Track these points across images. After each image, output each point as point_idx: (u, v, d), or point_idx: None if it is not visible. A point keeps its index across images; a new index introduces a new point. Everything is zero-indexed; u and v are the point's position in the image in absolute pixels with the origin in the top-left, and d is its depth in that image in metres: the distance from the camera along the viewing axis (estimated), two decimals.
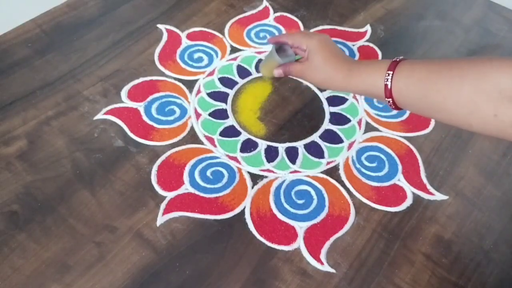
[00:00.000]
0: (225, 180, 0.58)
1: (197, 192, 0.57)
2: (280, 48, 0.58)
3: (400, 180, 0.60)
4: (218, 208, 0.56)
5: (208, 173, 0.59)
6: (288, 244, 0.54)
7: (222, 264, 0.52)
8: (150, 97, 0.66)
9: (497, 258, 0.54)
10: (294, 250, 0.53)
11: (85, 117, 0.64)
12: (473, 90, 0.41)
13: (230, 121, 0.65)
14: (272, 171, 0.60)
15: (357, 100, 0.68)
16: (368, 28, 0.79)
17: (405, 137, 0.64)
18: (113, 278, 0.50)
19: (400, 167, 0.61)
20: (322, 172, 0.60)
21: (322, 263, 0.52)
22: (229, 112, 0.66)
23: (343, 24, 0.80)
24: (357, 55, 0.75)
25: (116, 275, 0.50)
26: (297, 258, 0.53)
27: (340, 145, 0.63)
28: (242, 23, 0.78)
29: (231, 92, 0.68)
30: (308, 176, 0.60)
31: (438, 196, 0.59)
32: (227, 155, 0.61)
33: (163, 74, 0.70)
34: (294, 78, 0.63)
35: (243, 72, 0.71)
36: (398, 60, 0.48)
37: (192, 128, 0.63)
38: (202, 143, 0.62)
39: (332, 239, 0.54)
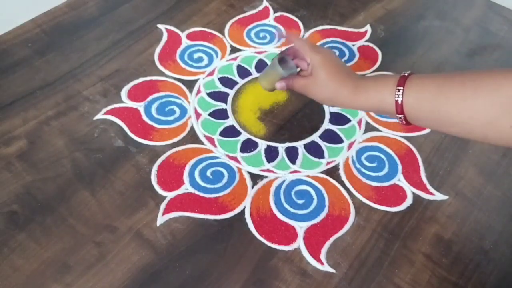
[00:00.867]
0: (225, 180, 0.58)
1: (197, 192, 0.57)
2: (281, 60, 0.57)
3: (400, 180, 0.60)
4: (218, 208, 0.56)
5: (208, 173, 0.59)
6: (288, 244, 0.54)
7: (222, 264, 0.52)
8: (150, 97, 0.66)
9: (497, 258, 0.54)
10: (294, 250, 0.53)
11: (85, 117, 0.64)
12: (488, 102, 0.41)
13: (230, 121, 0.65)
14: (272, 171, 0.60)
15: None
16: (368, 28, 0.79)
17: (405, 137, 0.64)
18: (113, 278, 0.50)
19: (400, 167, 0.61)
20: (322, 172, 0.60)
21: (322, 263, 0.52)
22: (229, 112, 0.66)
23: (343, 24, 0.80)
24: (357, 55, 0.75)
25: (116, 275, 0.50)
26: (297, 258, 0.53)
27: (340, 145, 0.63)
28: (242, 23, 0.78)
29: (231, 92, 0.68)
30: (308, 176, 0.60)
31: (438, 196, 0.59)
32: (227, 155, 0.61)
33: (163, 74, 0.70)
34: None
35: (243, 72, 0.71)
36: (406, 74, 0.47)
37: (192, 128, 0.63)
38: (202, 143, 0.62)
39: (332, 239, 0.54)
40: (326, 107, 0.67)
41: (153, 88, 0.68)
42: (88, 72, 0.69)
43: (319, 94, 0.53)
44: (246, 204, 0.56)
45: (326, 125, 0.65)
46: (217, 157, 0.61)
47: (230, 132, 0.63)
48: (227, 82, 0.69)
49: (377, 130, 0.65)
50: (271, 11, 0.81)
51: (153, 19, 0.77)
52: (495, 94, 0.41)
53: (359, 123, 0.66)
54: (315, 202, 0.57)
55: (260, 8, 0.81)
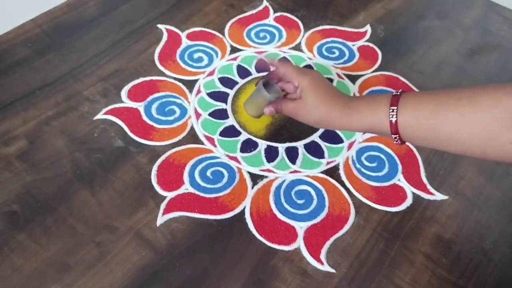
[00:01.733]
0: (225, 180, 0.58)
1: (197, 192, 0.57)
2: (266, 84, 0.55)
3: (400, 180, 0.60)
4: (218, 208, 0.56)
5: (208, 173, 0.59)
6: (288, 244, 0.54)
7: (222, 264, 0.52)
8: (150, 97, 0.66)
9: (497, 258, 0.54)
10: (294, 250, 0.53)
11: (85, 117, 0.64)
12: (487, 118, 0.40)
13: (230, 121, 0.65)
14: (272, 171, 0.60)
15: None
16: (368, 28, 0.79)
17: None
18: (113, 278, 0.50)
19: (400, 167, 0.61)
20: (322, 172, 0.60)
21: (322, 263, 0.52)
22: (229, 112, 0.66)
23: (343, 24, 0.80)
24: (357, 55, 0.75)
25: (116, 275, 0.50)
26: (297, 258, 0.53)
27: (340, 145, 0.63)
28: (242, 23, 0.78)
29: (231, 92, 0.68)
30: (308, 176, 0.60)
31: (438, 196, 0.59)
32: (227, 155, 0.61)
33: (163, 74, 0.70)
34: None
35: (243, 72, 0.71)
36: (398, 94, 0.47)
37: (192, 128, 0.63)
38: (202, 143, 0.62)
39: (332, 239, 0.54)
40: None
41: (153, 88, 0.68)
42: (88, 72, 0.69)
43: (310, 117, 0.52)
44: (246, 204, 0.56)
45: None
46: (217, 157, 0.61)
47: (230, 132, 0.63)
48: (227, 82, 0.69)
49: None
50: (271, 11, 0.81)
51: (153, 19, 0.77)
52: (494, 109, 0.40)
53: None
54: (315, 202, 0.57)
55: (260, 8, 0.81)
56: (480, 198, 0.59)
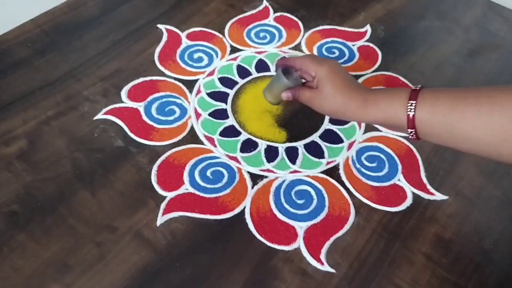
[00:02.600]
0: (225, 180, 0.58)
1: (197, 192, 0.57)
2: (285, 71, 0.56)
3: (400, 180, 0.60)
4: (218, 208, 0.56)
5: (208, 173, 0.59)
6: (288, 244, 0.54)
7: (222, 264, 0.52)
8: (150, 97, 0.66)
9: (497, 258, 0.54)
10: (294, 250, 0.53)
11: (85, 117, 0.64)
12: (504, 119, 0.40)
13: (230, 121, 0.65)
14: (272, 171, 0.60)
15: None
16: (368, 28, 0.79)
17: (405, 137, 0.64)
18: (113, 278, 0.50)
19: (400, 167, 0.61)
20: (322, 172, 0.60)
21: (322, 263, 0.52)
22: (229, 112, 0.66)
23: (343, 24, 0.80)
24: (357, 55, 0.75)
25: (116, 275, 0.50)
26: (297, 258, 0.53)
27: (340, 145, 0.63)
28: (242, 23, 0.78)
29: (231, 92, 0.68)
30: (308, 176, 0.60)
31: (438, 196, 0.59)
32: (227, 155, 0.61)
33: (163, 74, 0.70)
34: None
35: (243, 72, 0.71)
36: (418, 88, 0.47)
37: (192, 128, 0.63)
38: (202, 143, 0.62)
39: (332, 239, 0.54)
40: None
41: (153, 88, 0.68)
42: (88, 72, 0.69)
43: (326, 107, 0.52)
44: (246, 204, 0.56)
45: (326, 125, 0.65)
46: (217, 157, 0.61)
47: (230, 132, 0.63)
48: (227, 82, 0.69)
49: (377, 130, 0.65)
50: (271, 11, 0.81)
51: (153, 19, 0.77)
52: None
53: (359, 123, 0.66)
54: (315, 202, 0.57)
55: (260, 8, 0.81)
56: (480, 198, 0.59)
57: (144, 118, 0.64)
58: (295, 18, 0.80)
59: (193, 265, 0.51)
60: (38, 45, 0.72)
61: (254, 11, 0.81)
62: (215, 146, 0.62)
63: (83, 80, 0.68)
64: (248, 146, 0.62)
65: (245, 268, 0.52)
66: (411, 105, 0.46)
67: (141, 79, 0.68)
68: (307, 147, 0.62)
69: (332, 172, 0.60)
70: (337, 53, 0.75)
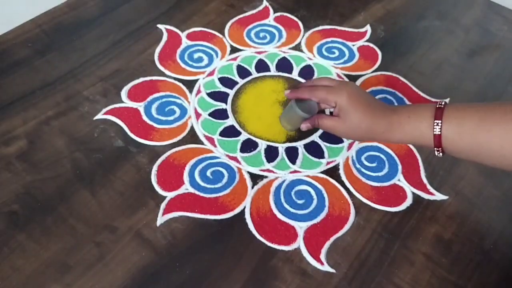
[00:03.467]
0: (225, 180, 0.58)
1: (197, 192, 0.57)
2: (299, 99, 0.56)
3: (400, 180, 0.60)
4: (218, 208, 0.56)
5: (208, 173, 0.59)
6: (288, 244, 0.53)
7: (222, 264, 0.52)
8: (150, 97, 0.66)
9: (497, 258, 0.54)
10: (294, 250, 0.53)
11: (85, 117, 0.64)
12: None
13: (230, 121, 0.65)
14: (272, 171, 0.60)
15: None
16: (368, 28, 0.79)
17: None
18: (113, 278, 0.50)
19: (400, 167, 0.61)
20: (322, 172, 0.60)
21: (322, 263, 0.52)
22: (229, 112, 0.66)
23: (343, 24, 0.80)
24: (357, 55, 0.75)
25: (116, 275, 0.50)
26: (297, 258, 0.53)
27: (340, 145, 0.63)
28: (242, 23, 0.78)
29: (231, 92, 0.68)
30: (308, 176, 0.60)
31: (438, 196, 0.59)
32: (227, 155, 0.61)
33: (163, 74, 0.70)
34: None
35: (243, 72, 0.71)
36: (442, 105, 0.46)
37: (192, 128, 0.63)
38: (202, 143, 0.62)
39: (332, 239, 0.54)
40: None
41: (153, 88, 0.68)
42: (88, 72, 0.69)
43: (351, 135, 0.53)
44: (246, 204, 0.56)
45: None
46: (217, 157, 0.61)
47: (230, 132, 0.63)
48: (227, 82, 0.69)
49: None
50: (271, 11, 0.81)
51: (153, 19, 0.77)
52: None
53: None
54: (315, 202, 0.57)
55: (260, 8, 0.81)
56: (480, 198, 0.59)
57: (144, 118, 0.64)
58: (295, 18, 0.80)
59: (193, 265, 0.51)
60: (38, 45, 0.72)
61: (254, 11, 0.81)
62: (215, 146, 0.62)
63: (83, 80, 0.68)
64: (248, 146, 0.62)
65: (245, 268, 0.52)
66: (437, 125, 0.46)
67: (141, 79, 0.68)
68: (307, 147, 0.62)
69: (332, 172, 0.60)
70: (337, 53, 0.75)
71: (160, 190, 0.57)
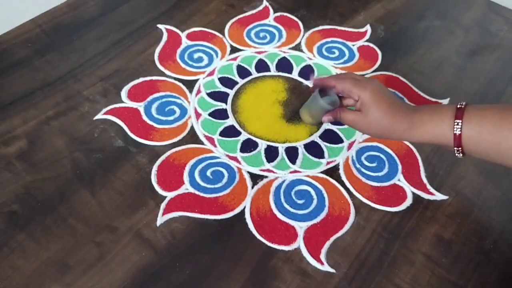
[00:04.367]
0: (225, 180, 0.58)
1: (197, 192, 0.57)
2: (322, 90, 0.55)
3: (400, 180, 0.60)
4: (218, 208, 0.56)
5: (208, 173, 0.59)
6: (288, 244, 0.53)
7: (222, 264, 0.52)
8: (150, 97, 0.66)
9: (497, 258, 0.54)
10: (294, 250, 0.53)
11: (85, 117, 0.64)
12: None
13: (230, 121, 0.65)
14: (272, 171, 0.60)
15: None
16: (368, 28, 0.79)
17: None
18: (113, 278, 0.50)
19: (400, 167, 0.61)
20: (322, 172, 0.60)
21: (322, 263, 0.52)
22: (229, 112, 0.66)
23: (343, 24, 0.80)
24: (357, 55, 0.75)
25: (116, 275, 0.50)
26: (297, 258, 0.53)
27: (340, 145, 0.63)
28: (242, 23, 0.78)
29: (231, 92, 0.68)
30: (308, 176, 0.60)
31: (438, 196, 0.59)
32: (227, 155, 0.61)
33: (163, 74, 0.70)
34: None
35: (243, 72, 0.71)
36: (462, 106, 0.47)
37: (192, 128, 0.63)
38: (202, 143, 0.62)
39: (332, 239, 0.54)
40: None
41: (153, 88, 0.68)
42: (88, 72, 0.69)
43: (372, 130, 0.53)
44: (246, 204, 0.56)
45: (326, 125, 0.65)
46: (217, 157, 0.61)
47: (230, 132, 0.63)
48: (227, 82, 0.69)
49: None
50: (271, 11, 0.81)
51: (153, 19, 0.77)
52: None
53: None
54: (315, 202, 0.57)
55: (260, 8, 0.81)
56: (480, 198, 0.59)
57: (144, 118, 0.64)
58: (295, 18, 0.80)
59: (193, 265, 0.51)
60: (38, 45, 0.72)
61: (254, 11, 0.81)
62: (215, 146, 0.62)
63: (83, 80, 0.68)
64: (248, 146, 0.62)
65: (245, 268, 0.52)
66: (457, 124, 0.46)
67: (141, 79, 0.68)
68: (307, 147, 0.62)
69: (332, 172, 0.60)
70: (337, 53, 0.75)
71: (160, 190, 0.57)
